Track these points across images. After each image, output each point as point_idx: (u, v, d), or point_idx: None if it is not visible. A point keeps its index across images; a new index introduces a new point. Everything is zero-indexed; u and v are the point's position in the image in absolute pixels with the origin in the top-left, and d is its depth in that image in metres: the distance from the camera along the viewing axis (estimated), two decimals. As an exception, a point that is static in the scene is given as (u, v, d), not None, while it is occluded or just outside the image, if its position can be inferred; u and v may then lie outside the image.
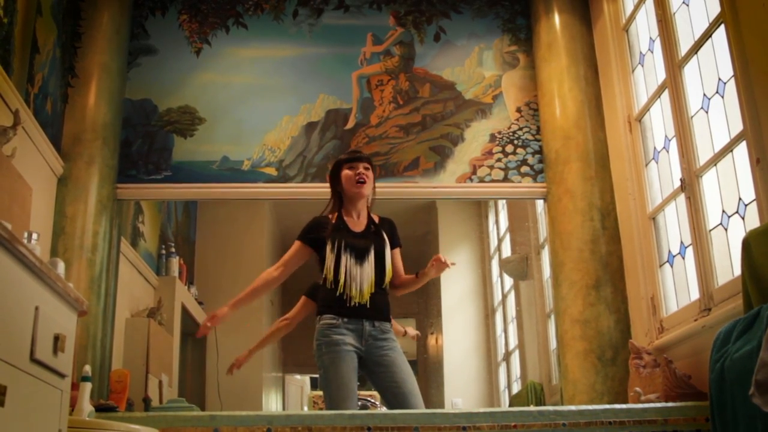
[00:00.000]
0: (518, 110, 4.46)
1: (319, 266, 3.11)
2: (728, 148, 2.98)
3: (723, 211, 3.04)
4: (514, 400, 5.52)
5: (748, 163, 2.75)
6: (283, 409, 8.12)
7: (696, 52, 3.27)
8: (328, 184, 3.30)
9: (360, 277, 2.99)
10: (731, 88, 2.92)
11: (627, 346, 3.53)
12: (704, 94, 3.20)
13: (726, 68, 2.97)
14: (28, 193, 3.26)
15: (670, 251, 3.57)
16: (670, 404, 2.88)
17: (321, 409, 3.83)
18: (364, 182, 3.11)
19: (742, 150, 2.86)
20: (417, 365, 7.49)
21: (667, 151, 3.61)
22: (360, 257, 3.02)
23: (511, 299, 6.00)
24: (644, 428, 2.78)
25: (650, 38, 3.77)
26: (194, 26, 4.55)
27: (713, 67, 3.11)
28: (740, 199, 2.91)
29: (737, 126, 2.86)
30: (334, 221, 3.12)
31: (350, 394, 2.88)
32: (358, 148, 4.20)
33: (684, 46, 3.37)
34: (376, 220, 3.20)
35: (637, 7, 3.91)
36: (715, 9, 3.05)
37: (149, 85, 4.43)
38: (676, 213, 3.50)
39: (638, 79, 3.93)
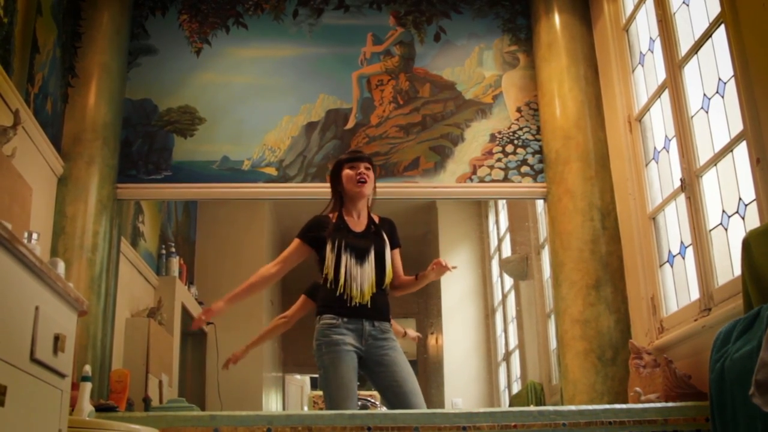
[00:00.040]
0: (518, 110, 4.46)
1: (318, 266, 3.11)
2: (728, 148, 2.98)
3: (723, 211, 3.04)
4: (514, 400, 5.52)
5: (748, 163, 2.75)
6: (283, 409, 8.12)
7: (696, 52, 3.27)
8: (328, 184, 3.30)
9: (360, 278, 2.99)
10: (731, 88, 2.92)
11: (627, 346, 3.53)
12: (704, 94, 3.20)
13: (726, 68, 2.97)
14: (28, 193, 3.26)
15: (670, 251, 3.57)
16: (670, 404, 2.88)
17: (321, 409, 3.83)
18: (365, 182, 3.11)
19: (742, 150, 2.86)
20: (417, 365, 7.48)
21: (667, 151, 3.61)
22: (360, 257, 3.02)
23: (511, 299, 6.00)
24: (644, 428, 2.78)
25: (650, 38, 3.77)
26: (194, 26, 4.55)
27: (713, 67, 3.11)
28: (740, 199, 2.91)
29: (737, 126, 2.86)
30: (334, 221, 3.12)
31: (350, 394, 2.88)
32: (358, 148, 4.20)
33: (684, 46, 3.37)
34: (376, 220, 3.20)
35: (637, 7, 3.91)
36: (715, 9, 3.05)
37: (149, 85, 4.43)
38: (676, 213, 3.50)
39: (638, 79, 3.93)
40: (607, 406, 2.86)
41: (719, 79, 3.06)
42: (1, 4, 3.17)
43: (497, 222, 6.56)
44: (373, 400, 4.37)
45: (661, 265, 3.63)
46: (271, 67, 4.53)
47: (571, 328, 3.83)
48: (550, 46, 4.32)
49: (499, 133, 4.41)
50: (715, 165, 3.11)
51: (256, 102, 4.44)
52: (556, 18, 4.34)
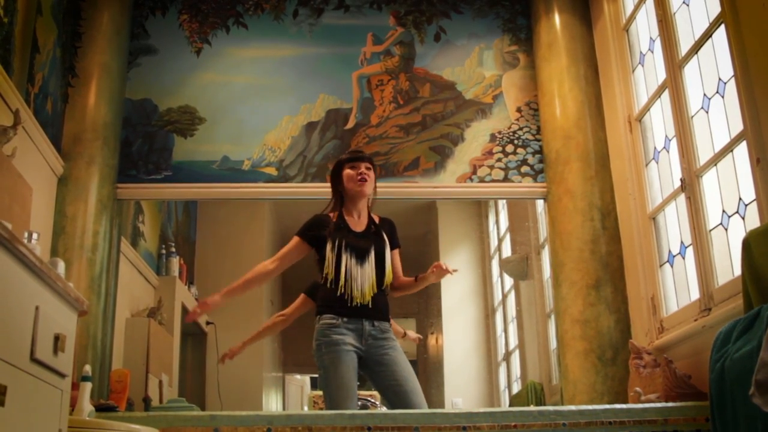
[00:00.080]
0: (518, 110, 4.46)
1: (318, 265, 3.10)
2: (728, 148, 2.98)
3: (723, 211, 3.04)
4: (514, 400, 5.52)
5: (749, 163, 2.75)
6: (283, 409, 8.12)
7: (696, 52, 3.27)
8: (328, 184, 3.29)
9: (360, 278, 2.99)
10: (731, 88, 2.92)
11: (627, 346, 3.53)
12: (704, 94, 3.20)
13: (726, 68, 2.97)
14: (28, 192, 3.26)
15: (670, 251, 3.57)
16: (670, 404, 2.88)
17: (321, 409, 3.83)
18: (365, 181, 3.11)
19: (742, 150, 2.86)
20: (417, 365, 7.48)
21: (668, 151, 3.61)
22: (360, 257, 3.02)
23: (512, 299, 6.00)
24: (644, 428, 2.78)
25: (650, 38, 3.77)
26: (194, 26, 4.55)
27: (713, 67, 3.11)
28: (740, 199, 2.91)
29: (737, 126, 2.86)
30: (335, 220, 3.12)
31: (350, 394, 2.88)
32: (359, 148, 4.20)
33: (684, 46, 3.37)
34: (377, 220, 3.20)
35: (637, 7, 3.91)
36: (716, 9, 3.05)
37: (149, 85, 4.43)
38: (676, 213, 3.50)
39: (638, 79, 3.93)
40: (607, 406, 2.86)
41: (719, 79, 3.06)
42: (1, 4, 3.17)
43: (497, 222, 6.56)
44: (373, 400, 4.37)
45: (661, 265, 3.63)
46: (271, 67, 4.53)
47: (571, 328, 3.83)
48: (550, 46, 4.32)
49: (499, 133, 4.41)
50: (715, 165, 3.11)
51: (256, 102, 4.44)
52: (557, 18, 4.34)
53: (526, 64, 4.55)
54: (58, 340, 1.84)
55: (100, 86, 4.16)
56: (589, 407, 2.86)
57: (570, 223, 3.99)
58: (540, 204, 4.93)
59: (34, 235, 2.03)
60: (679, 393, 2.99)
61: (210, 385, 5.79)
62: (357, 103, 4.47)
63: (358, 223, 3.14)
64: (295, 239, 3.14)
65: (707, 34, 3.15)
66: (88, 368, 2.59)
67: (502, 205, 6.30)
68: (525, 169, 4.32)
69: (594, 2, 4.34)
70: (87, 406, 2.49)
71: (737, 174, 2.94)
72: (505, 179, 4.31)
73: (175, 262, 5.49)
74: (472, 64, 4.56)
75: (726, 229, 3.03)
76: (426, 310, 7.74)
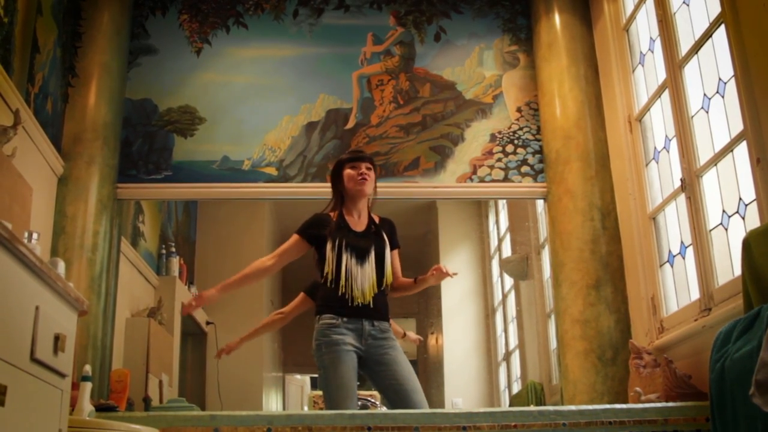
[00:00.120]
0: (518, 110, 4.46)
1: (318, 265, 3.10)
2: (728, 148, 2.98)
3: (723, 211, 3.04)
4: (514, 400, 5.52)
5: (749, 163, 2.75)
6: (284, 409, 8.12)
7: (696, 52, 3.26)
8: (328, 184, 3.29)
9: (361, 278, 2.99)
10: (731, 88, 2.92)
11: (627, 346, 3.53)
12: (704, 94, 3.20)
13: (726, 68, 2.97)
14: (28, 192, 3.26)
15: (670, 251, 3.57)
16: (670, 404, 2.88)
17: (321, 409, 3.83)
18: (366, 180, 3.11)
19: (742, 150, 2.86)
20: (417, 365, 7.49)
21: (668, 151, 3.61)
22: (360, 257, 3.02)
23: (512, 299, 6.00)
24: (644, 428, 2.78)
25: (650, 38, 3.77)
26: (194, 26, 4.55)
27: (713, 67, 3.11)
28: (740, 199, 2.91)
29: (737, 126, 2.86)
30: (335, 219, 3.12)
31: (350, 394, 2.88)
32: (359, 148, 4.20)
33: (684, 46, 3.37)
34: (377, 220, 3.19)
35: (637, 7, 3.91)
36: (716, 9, 3.05)
37: (149, 85, 4.43)
38: (676, 213, 3.50)
39: (638, 79, 3.93)
40: (607, 406, 2.86)
41: (719, 79, 3.06)
42: (1, 4, 3.17)
43: (497, 222, 6.56)
44: (373, 400, 4.37)
45: (661, 265, 3.63)
46: (271, 67, 4.53)
47: (571, 328, 3.83)
48: (550, 46, 4.32)
49: (500, 133, 4.41)
50: (716, 165, 3.11)
51: (257, 102, 4.44)
52: (557, 18, 4.34)
53: (526, 64, 4.55)
54: (58, 340, 1.84)
55: (100, 86, 4.16)
56: (589, 407, 2.86)
57: (570, 223, 3.99)
58: (540, 204, 4.93)
59: (34, 235, 2.03)
60: (679, 393, 2.99)
61: (210, 385, 5.79)
62: (357, 103, 4.47)
63: (358, 222, 3.14)
64: (295, 237, 3.14)
65: (707, 34, 3.15)
66: (88, 368, 2.59)
67: (502, 205, 6.30)
68: (525, 169, 4.32)
69: (594, 2, 4.34)
70: (87, 406, 2.49)
71: (737, 174, 2.94)
72: (505, 179, 4.31)
73: (175, 262, 5.49)
74: (472, 64, 4.56)
75: (726, 229, 3.02)
76: (426, 310, 7.74)
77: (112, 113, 4.19)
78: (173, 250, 5.57)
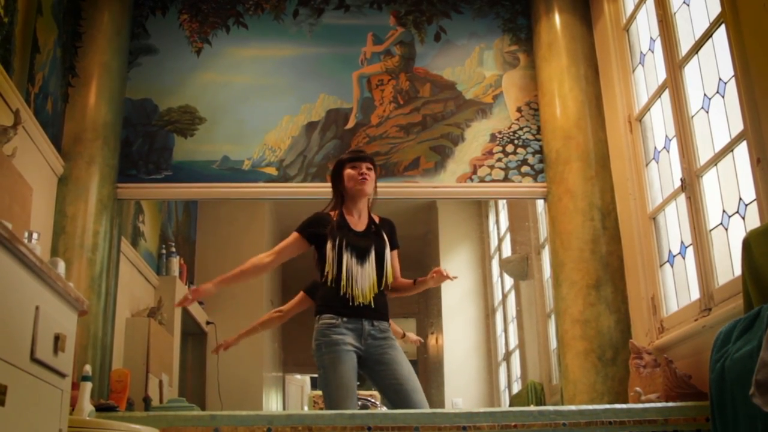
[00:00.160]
0: (519, 110, 4.46)
1: (317, 264, 3.10)
2: (729, 148, 2.98)
3: (723, 211, 3.04)
4: (514, 400, 5.52)
5: (749, 163, 2.75)
6: (284, 408, 8.12)
7: (696, 52, 3.26)
8: (328, 184, 3.29)
9: (361, 277, 2.99)
10: (732, 88, 2.92)
11: (627, 346, 3.53)
12: (705, 94, 3.20)
13: (726, 68, 2.97)
14: (28, 192, 3.26)
15: (670, 251, 3.57)
16: (670, 404, 2.88)
17: (321, 408, 3.83)
18: (366, 180, 3.11)
19: (742, 150, 2.86)
20: (417, 365, 7.49)
21: (668, 151, 3.61)
22: (361, 257, 3.02)
23: (512, 299, 6.00)
24: (644, 428, 2.78)
25: (651, 38, 3.77)
26: (195, 26, 4.55)
27: (714, 66, 3.11)
28: (740, 199, 2.91)
29: (738, 126, 2.86)
30: (335, 219, 3.12)
31: (350, 394, 2.88)
32: (360, 148, 4.20)
33: (684, 46, 3.37)
34: (377, 220, 3.19)
35: (637, 7, 3.91)
36: (716, 9, 3.05)
37: (150, 85, 4.43)
38: (676, 213, 3.50)
39: (639, 78, 3.93)
40: (608, 406, 2.86)
41: (719, 79, 3.06)
42: (1, 4, 3.17)
43: (497, 222, 6.56)
44: (373, 400, 4.37)
45: (661, 265, 3.63)
46: (271, 66, 4.53)
47: (571, 328, 3.83)
48: (550, 46, 4.32)
49: (500, 132, 4.41)
50: (716, 165, 3.11)
51: (257, 102, 4.44)
52: (557, 18, 4.34)
53: (526, 64, 4.55)
54: (58, 340, 1.84)
55: (101, 86, 4.16)
56: (589, 407, 2.86)
57: (570, 223, 3.99)
58: (540, 204, 4.93)
59: (35, 235, 2.04)
60: (680, 393, 2.99)
61: (210, 385, 5.79)
62: (357, 103, 4.47)
63: (358, 222, 3.13)
64: (294, 235, 3.13)
65: (707, 34, 3.15)
66: (88, 368, 2.59)
67: (502, 205, 6.30)
68: (525, 169, 4.32)
69: (594, 2, 4.34)
70: (87, 406, 2.49)
71: (737, 174, 2.94)
72: (506, 179, 4.31)
73: (175, 262, 5.49)
74: (473, 63, 4.56)
75: (726, 229, 3.02)
76: (426, 310, 7.74)
77: (113, 113, 4.19)
78: (173, 250, 5.57)
